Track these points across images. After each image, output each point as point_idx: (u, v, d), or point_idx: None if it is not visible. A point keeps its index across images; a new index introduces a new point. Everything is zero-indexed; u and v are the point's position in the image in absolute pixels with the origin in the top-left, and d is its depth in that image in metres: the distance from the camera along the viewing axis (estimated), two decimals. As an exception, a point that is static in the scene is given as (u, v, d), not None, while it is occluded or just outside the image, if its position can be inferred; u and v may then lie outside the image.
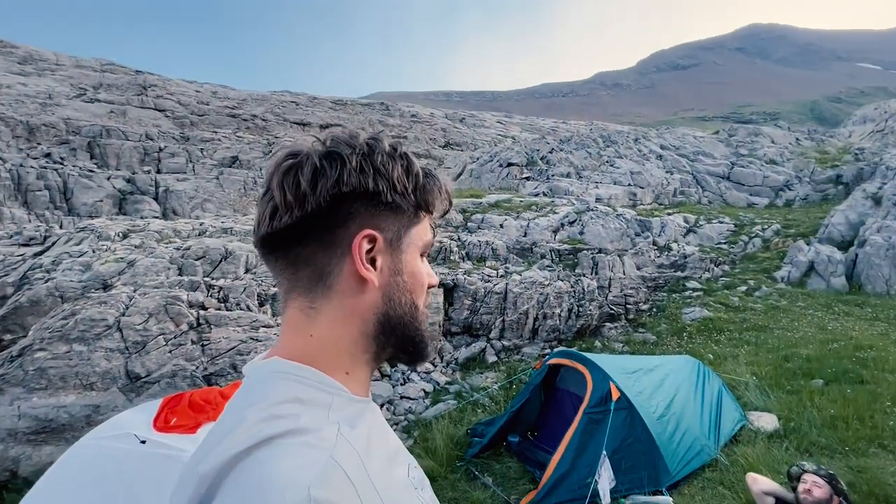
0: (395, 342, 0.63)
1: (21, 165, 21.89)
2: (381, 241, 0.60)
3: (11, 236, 7.53)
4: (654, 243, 10.99)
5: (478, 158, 16.41)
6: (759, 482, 3.12)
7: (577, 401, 4.42)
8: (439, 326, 7.53)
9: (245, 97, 37.25)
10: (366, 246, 0.59)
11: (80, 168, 21.77)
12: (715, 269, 10.58)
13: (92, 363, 4.94)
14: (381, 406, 5.78)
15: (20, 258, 6.49)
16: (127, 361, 5.10)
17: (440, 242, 8.94)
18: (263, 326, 6.03)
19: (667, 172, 15.92)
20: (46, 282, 5.58)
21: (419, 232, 0.65)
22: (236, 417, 0.50)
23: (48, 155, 23.80)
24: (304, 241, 0.58)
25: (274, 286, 6.71)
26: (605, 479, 3.65)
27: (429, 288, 0.68)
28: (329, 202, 0.57)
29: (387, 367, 6.75)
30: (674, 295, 9.51)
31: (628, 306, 8.94)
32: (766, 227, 12.42)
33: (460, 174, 15.53)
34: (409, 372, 6.80)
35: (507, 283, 8.04)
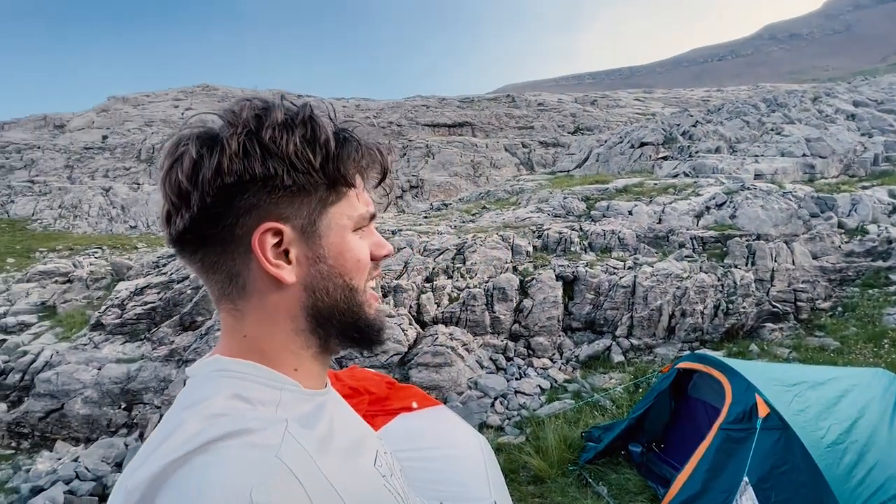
0: (336, 332, 0.58)
1: (221, 183, 27.61)
2: (290, 231, 0.53)
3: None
4: (841, 226, 8.75)
5: (605, 141, 15.10)
6: None
7: (714, 413, 3.75)
8: (558, 322, 7.18)
9: (382, 106, 40.80)
10: (270, 240, 0.52)
11: None
12: (940, 256, 7.97)
13: (253, 342, 5.96)
14: (494, 399, 5.76)
15: (210, 256, 8.17)
16: (278, 342, 6.03)
17: (559, 233, 8.50)
18: (387, 316, 6.52)
19: (863, 135, 12.50)
20: (224, 275, 6.92)
21: (342, 210, 0.56)
22: (174, 421, 0.47)
23: (238, 173, 29.51)
24: (202, 244, 0.53)
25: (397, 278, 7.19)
26: (746, 511, 3.04)
27: (379, 259, 0.61)
28: (214, 197, 0.50)
29: (502, 361, 6.70)
30: (870, 290, 7.45)
31: (799, 304, 7.30)
32: None
33: (585, 160, 14.50)
34: (525, 367, 6.64)
35: (635, 276, 7.27)
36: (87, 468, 4.87)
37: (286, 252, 0.53)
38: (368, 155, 0.57)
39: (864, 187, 10.00)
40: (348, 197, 0.57)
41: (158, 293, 7.44)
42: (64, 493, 4.38)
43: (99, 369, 6.30)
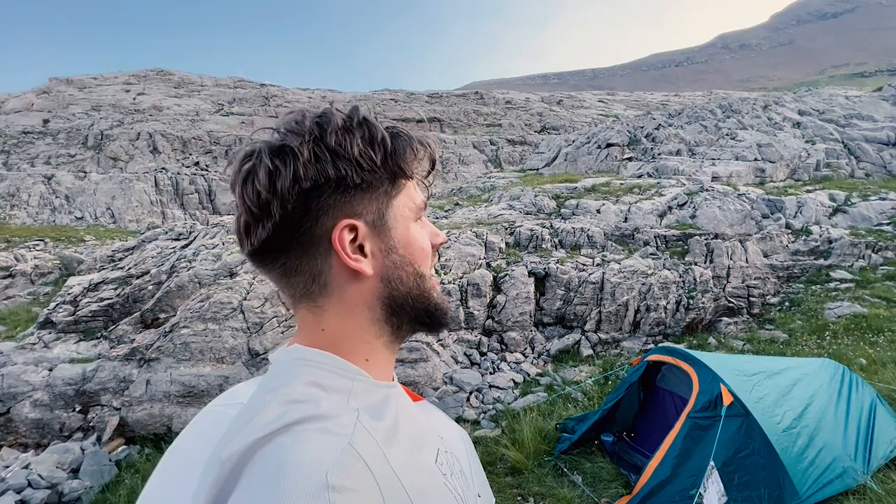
0: (409, 318, 0.62)
1: (178, 173, 26.32)
2: (363, 226, 0.57)
3: (167, 233, 9.05)
4: (788, 226, 9.40)
5: (573, 141, 15.51)
6: (926, 521, 2.50)
7: (681, 403, 3.97)
8: (530, 317, 7.34)
9: (350, 98, 40.06)
10: (348, 236, 0.56)
11: (220, 173, 25.47)
12: (873, 255, 8.72)
13: (222, 340, 5.74)
14: (469, 394, 5.83)
15: (172, 250, 7.77)
16: (248, 339, 5.83)
17: (531, 230, 8.67)
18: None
19: (807, 142, 13.46)
20: (188, 270, 6.61)
21: (404, 201, 0.60)
22: (259, 403, 0.51)
23: (197, 163, 28.21)
24: (284, 250, 0.56)
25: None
26: (712, 493, 3.24)
27: (437, 247, 0.66)
28: (294, 203, 0.53)
29: (476, 356, 6.79)
30: (813, 287, 8.06)
31: (752, 299, 7.80)
32: (951, 202, 9.86)
33: (554, 159, 14.84)
34: (498, 361, 6.76)
35: (603, 272, 7.53)
36: (40, 475, 4.55)
37: (361, 247, 0.57)
38: (417, 149, 0.60)
39: (808, 191, 10.78)
40: (407, 189, 0.61)
41: (116, 289, 7.02)
42: (15, 502, 4.08)
43: (50, 370, 5.88)
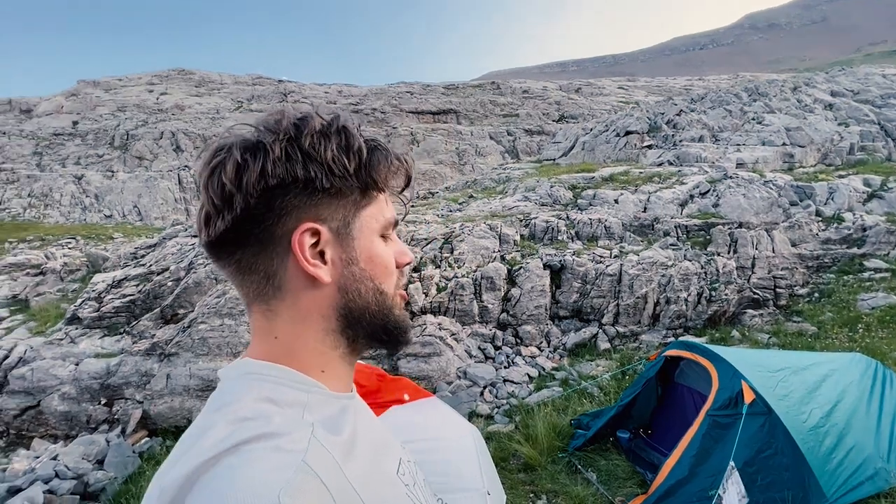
0: (366, 333, 0.60)
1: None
2: (327, 232, 0.56)
3: (186, 229, 9.24)
4: (818, 214, 8.97)
5: (591, 129, 15.12)
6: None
7: (700, 399, 3.83)
8: (545, 310, 7.22)
9: (366, 92, 40.11)
10: (309, 240, 0.55)
11: (191, 167, 26.28)
12: (911, 243, 8.26)
13: (238, 335, 5.83)
14: (483, 388, 5.78)
15: (191, 247, 7.93)
16: (264, 335, 5.91)
17: (546, 222, 8.51)
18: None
19: (840, 125, 12.79)
20: (206, 266, 6.73)
21: (373, 213, 0.60)
22: (205, 423, 0.49)
23: (217, 161, 28.83)
24: (242, 244, 0.55)
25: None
26: (732, 494, 3.12)
27: (402, 267, 0.64)
28: (257, 199, 0.53)
29: (490, 350, 6.73)
30: (846, 277, 7.68)
31: (779, 290, 7.49)
32: None
33: (571, 148, 14.51)
34: (513, 355, 6.68)
35: (621, 264, 7.34)
36: (66, 466, 4.72)
37: (322, 253, 0.56)
38: (393, 163, 0.60)
39: (841, 176, 10.26)
40: (378, 202, 0.60)
41: (137, 285, 7.21)
42: (43, 492, 4.24)
43: (76, 364, 6.10)
